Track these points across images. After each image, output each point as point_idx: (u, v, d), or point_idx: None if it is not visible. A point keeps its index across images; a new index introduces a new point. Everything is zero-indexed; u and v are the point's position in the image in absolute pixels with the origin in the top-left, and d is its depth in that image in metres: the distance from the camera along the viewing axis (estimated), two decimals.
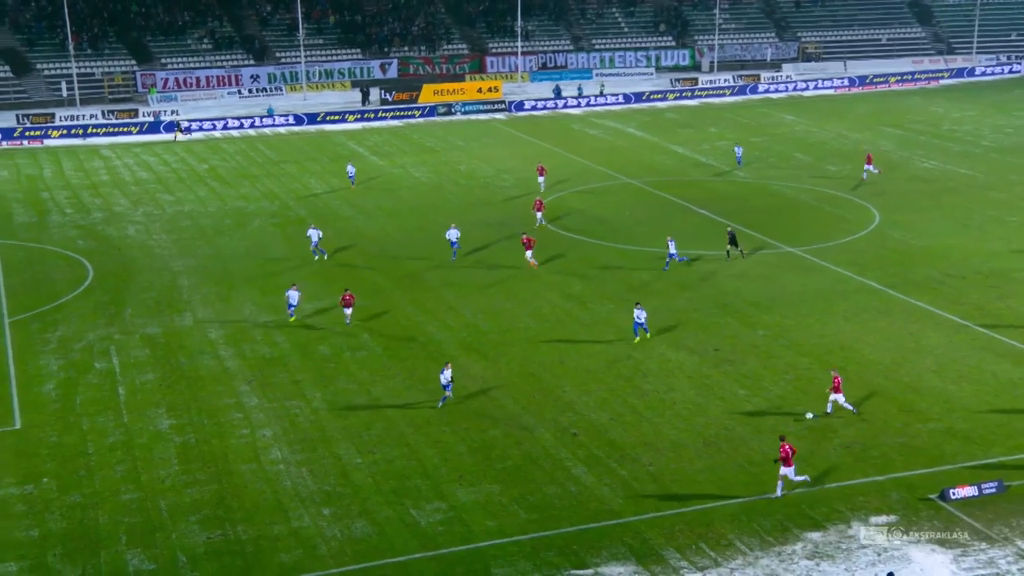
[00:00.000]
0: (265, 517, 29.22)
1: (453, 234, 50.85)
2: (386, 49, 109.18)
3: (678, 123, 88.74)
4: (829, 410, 34.74)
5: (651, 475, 31.46)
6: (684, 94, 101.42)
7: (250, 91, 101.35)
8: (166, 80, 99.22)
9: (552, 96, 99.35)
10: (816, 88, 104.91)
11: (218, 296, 46.75)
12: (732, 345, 40.76)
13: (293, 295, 43.45)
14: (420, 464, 32.02)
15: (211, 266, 51.32)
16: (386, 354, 40.39)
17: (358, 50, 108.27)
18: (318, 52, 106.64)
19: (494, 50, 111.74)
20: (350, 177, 66.75)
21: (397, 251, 53.09)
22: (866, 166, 65.93)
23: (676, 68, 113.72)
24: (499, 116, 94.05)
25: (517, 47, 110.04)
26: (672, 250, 49.18)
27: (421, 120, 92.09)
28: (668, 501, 29.97)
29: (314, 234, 51.66)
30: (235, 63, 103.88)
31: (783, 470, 29.65)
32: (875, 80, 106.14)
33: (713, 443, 33.24)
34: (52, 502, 29.73)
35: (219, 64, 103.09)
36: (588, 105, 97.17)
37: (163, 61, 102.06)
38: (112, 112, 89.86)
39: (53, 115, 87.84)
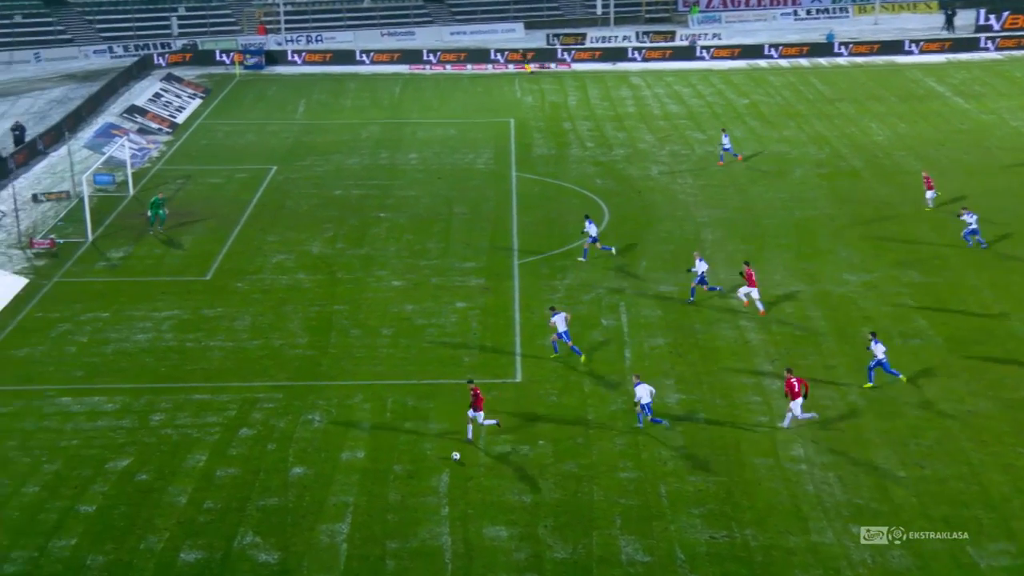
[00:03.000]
0: (779, 524, 29.22)
1: (701, 267, 42.61)
2: None
3: None
4: None
5: None
6: None
7: (808, 12, 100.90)
8: None
9: None
10: None
11: (745, 256, 47.39)
12: None
13: (559, 321, 38.06)
14: (983, 490, 30.06)
15: (740, 219, 52.10)
16: (947, 346, 38.40)
17: None
18: None
19: None
20: (726, 149, 60.15)
21: (982, 219, 49.99)
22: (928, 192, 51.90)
23: None
24: None
25: None
26: (972, 224, 46.19)
27: None
28: None
29: (592, 229, 46.61)
30: None
31: (792, 404, 33.14)
32: None
33: None
34: (547, 468, 32.17)
35: None
36: None
37: None
38: (646, 34, 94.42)
39: (584, 35, 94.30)
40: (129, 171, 58.43)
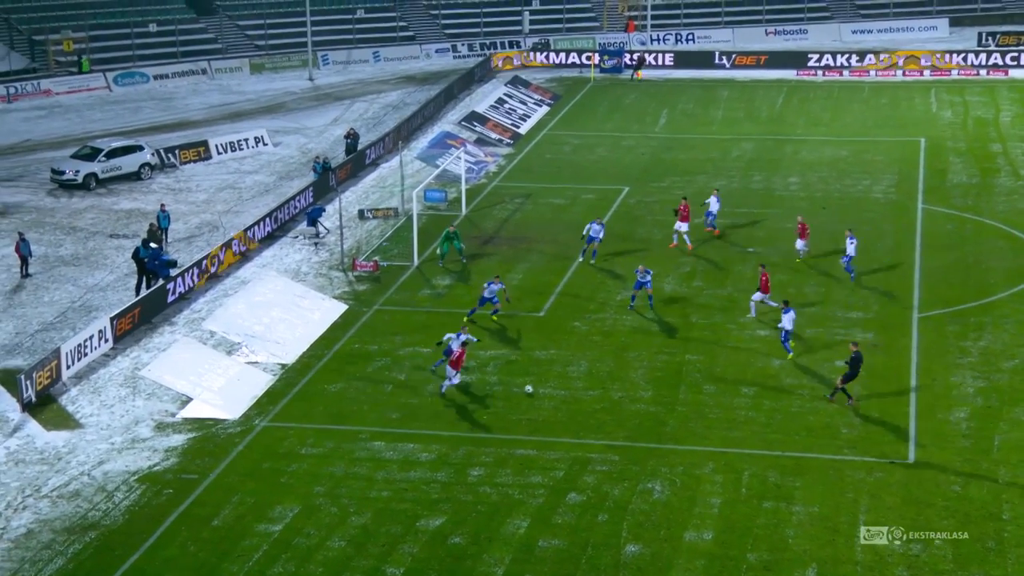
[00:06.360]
0: None
1: (645, 278, 47.42)
2: None
3: None
4: None
5: None
6: None
7: None
8: None
9: None
10: None
11: None
12: None
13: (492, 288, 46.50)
14: None
15: None
16: None
17: None
18: None
19: None
20: (709, 215, 55.47)
21: None
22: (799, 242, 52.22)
23: None
24: None
25: None
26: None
27: None
28: None
29: (595, 228, 52.41)
30: None
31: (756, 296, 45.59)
32: None
33: None
34: (944, 575, 30.89)
35: None
36: None
37: None
38: None
39: None
40: (463, 187, 61.07)
